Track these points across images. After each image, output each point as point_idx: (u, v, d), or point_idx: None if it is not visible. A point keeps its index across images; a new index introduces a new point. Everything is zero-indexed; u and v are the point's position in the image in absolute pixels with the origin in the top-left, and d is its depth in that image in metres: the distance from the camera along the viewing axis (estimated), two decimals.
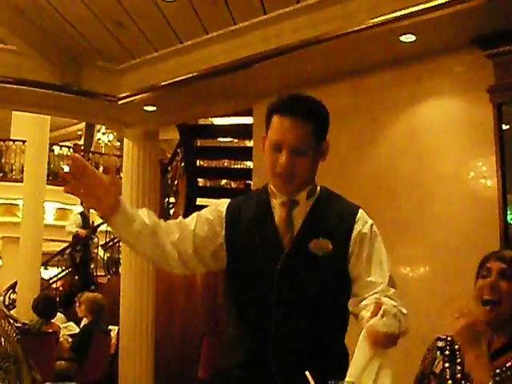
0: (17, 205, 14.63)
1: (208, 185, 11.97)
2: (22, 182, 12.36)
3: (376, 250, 2.50)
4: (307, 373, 1.75)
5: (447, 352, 2.49)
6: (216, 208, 2.67)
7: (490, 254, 2.51)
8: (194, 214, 2.68)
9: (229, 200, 2.69)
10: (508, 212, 4.97)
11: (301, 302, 2.45)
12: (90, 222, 12.88)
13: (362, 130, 5.94)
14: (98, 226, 13.75)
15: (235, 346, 2.61)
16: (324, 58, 5.71)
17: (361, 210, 2.55)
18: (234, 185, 12.14)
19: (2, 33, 6.17)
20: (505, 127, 5.00)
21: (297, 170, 2.44)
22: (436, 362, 2.49)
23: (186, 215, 8.44)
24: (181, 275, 2.61)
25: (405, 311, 2.31)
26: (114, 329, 8.47)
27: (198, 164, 10.49)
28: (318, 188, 2.61)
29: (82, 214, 12.82)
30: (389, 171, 5.70)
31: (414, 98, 5.65)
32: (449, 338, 2.53)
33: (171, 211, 10.55)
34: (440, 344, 2.53)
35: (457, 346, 2.47)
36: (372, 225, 2.52)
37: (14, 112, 15.04)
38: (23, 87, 6.53)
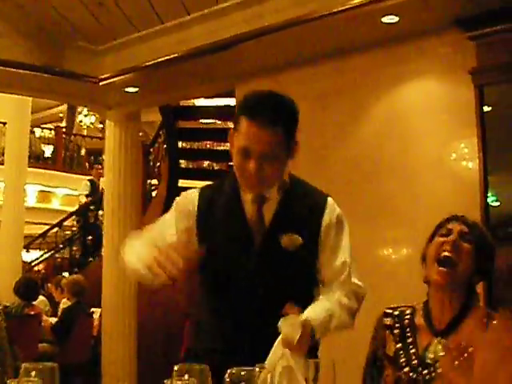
0: None
1: (190, 166, 11.91)
2: (2, 164, 12.24)
3: (340, 241, 2.55)
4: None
5: (396, 331, 2.39)
6: (184, 201, 2.66)
7: (450, 216, 2.47)
8: (160, 221, 2.68)
9: (196, 191, 2.67)
10: (489, 194, 5.00)
11: (273, 294, 2.47)
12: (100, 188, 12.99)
13: (344, 111, 5.92)
14: (80, 208, 13.73)
15: (210, 333, 2.65)
16: (306, 39, 5.68)
17: (329, 200, 2.58)
18: (216, 166, 12.08)
19: None
20: (486, 109, 5.01)
21: (266, 175, 2.41)
22: (387, 344, 2.38)
23: (168, 197, 8.39)
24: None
25: (355, 306, 2.49)
26: (96, 311, 8.46)
27: (180, 146, 10.44)
28: (288, 180, 2.60)
29: (91, 181, 13.31)
30: (372, 153, 5.70)
31: (396, 80, 5.64)
32: (396, 313, 2.44)
33: (153, 193, 10.51)
34: (388, 322, 2.43)
35: (406, 321, 2.39)
36: (338, 215, 2.56)
37: None
38: (2, 68, 6.43)
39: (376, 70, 5.73)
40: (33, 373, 1.60)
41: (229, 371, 1.73)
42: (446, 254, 2.32)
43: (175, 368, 1.71)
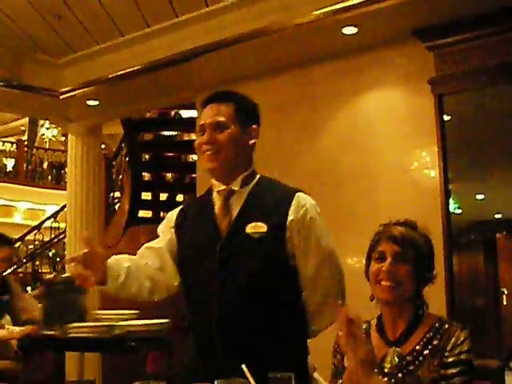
0: None
1: (153, 179, 11.87)
2: None
3: (310, 243, 2.58)
4: (243, 366, 1.75)
5: None
6: (172, 212, 2.84)
7: (379, 232, 2.45)
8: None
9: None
10: (451, 201, 5.04)
11: (241, 285, 2.51)
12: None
13: (305, 121, 5.94)
14: (43, 222, 13.60)
15: (192, 334, 2.70)
16: (266, 51, 5.69)
17: (298, 195, 2.62)
18: (180, 179, 12.03)
19: None
20: (446, 118, 5.07)
21: (219, 143, 2.56)
22: (345, 356, 2.28)
23: (131, 210, 8.32)
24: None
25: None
26: None
27: (142, 158, 10.39)
28: (258, 176, 2.70)
29: None
30: (333, 162, 5.72)
31: (356, 90, 5.67)
32: None
33: (116, 206, 10.44)
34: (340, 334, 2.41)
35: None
36: (308, 210, 2.58)
37: None
38: None
39: (336, 81, 5.76)
40: None
41: None
42: (383, 283, 2.33)
43: None
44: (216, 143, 2.56)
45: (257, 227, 2.51)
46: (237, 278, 2.52)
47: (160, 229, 2.83)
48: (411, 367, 2.24)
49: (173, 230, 2.75)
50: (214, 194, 2.67)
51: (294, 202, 2.57)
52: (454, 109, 5.14)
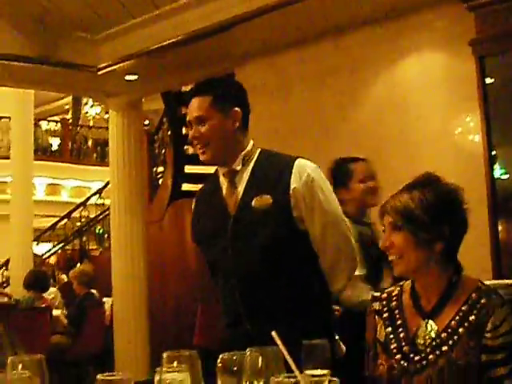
0: (5, 182, 14.52)
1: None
2: (9, 158, 12.24)
3: (314, 202, 2.63)
4: (273, 333, 1.73)
5: (385, 314, 2.28)
6: None
7: (382, 205, 2.30)
8: None
9: None
10: (497, 167, 4.94)
11: (255, 257, 2.61)
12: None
13: (344, 89, 5.88)
14: (88, 199, 13.74)
15: (221, 310, 2.79)
16: (302, 19, 5.63)
17: (297, 162, 2.67)
18: None
19: None
20: (489, 81, 4.94)
21: (204, 136, 2.65)
22: (378, 328, 2.28)
23: (174, 184, 8.41)
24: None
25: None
26: (107, 300, 8.47)
27: (184, 132, 10.39)
28: (258, 151, 2.76)
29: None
30: (372, 129, 5.65)
31: (395, 55, 5.59)
32: (383, 295, 2.34)
33: (160, 181, 10.48)
34: (376, 306, 2.33)
35: (394, 303, 2.28)
36: (309, 174, 2.62)
37: None
38: (1, 62, 6.41)
39: (374, 46, 5.68)
40: (19, 365, 1.59)
41: (220, 356, 1.75)
42: (390, 258, 2.24)
43: (164, 356, 1.71)
44: (202, 137, 2.66)
45: (262, 200, 2.59)
46: (250, 251, 2.61)
47: None
48: (445, 347, 2.10)
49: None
50: (221, 177, 2.76)
51: (294, 170, 2.62)
52: (497, 71, 5.01)
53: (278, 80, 6.36)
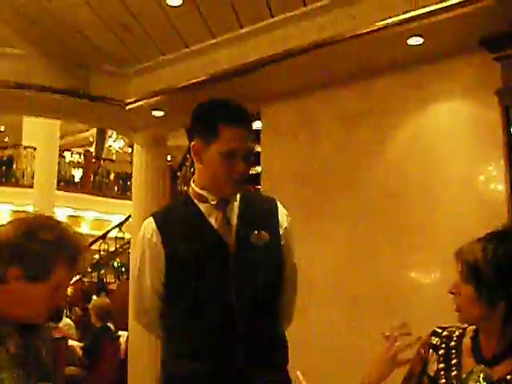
0: (27, 211, 14.63)
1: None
2: (32, 188, 12.36)
3: (292, 243, 2.80)
4: (298, 373, 1.74)
5: (441, 351, 2.26)
6: (143, 235, 2.71)
7: (457, 250, 2.29)
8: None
9: (147, 221, 2.75)
10: None
11: (256, 295, 2.60)
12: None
13: (370, 133, 5.90)
14: (108, 232, 13.78)
15: (192, 353, 2.60)
16: (331, 62, 5.67)
17: (278, 203, 2.79)
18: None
19: (11, 37, 6.18)
20: None
21: (247, 171, 2.64)
22: (430, 363, 2.26)
23: None
24: None
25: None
26: (123, 334, 8.46)
27: None
28: None
29: None
30: (398, 175, 5.66)
31: (422, 101, 5.61)
32: (444, 333, 2.32)
33: None
34: (434, 341, 2.31)
35: (453, 343, 2.26)
36: (287, 215, 2.77)
37: (25, 118, 15.09)
38: (29, 91, 6.50)
39: (402, 92, 5.71)
40: None
41: None
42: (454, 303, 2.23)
43: None
44: (247, 170, 2.65)
45: (260, 236, 2.62)
46: (253, 287, 2.60)
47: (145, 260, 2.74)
48: None
49: (158, 237, 2.67)
50: (205, 206, 2.67)
51: (280, 211, 2.75)
52: None
53: (304, 121, 6.40)
